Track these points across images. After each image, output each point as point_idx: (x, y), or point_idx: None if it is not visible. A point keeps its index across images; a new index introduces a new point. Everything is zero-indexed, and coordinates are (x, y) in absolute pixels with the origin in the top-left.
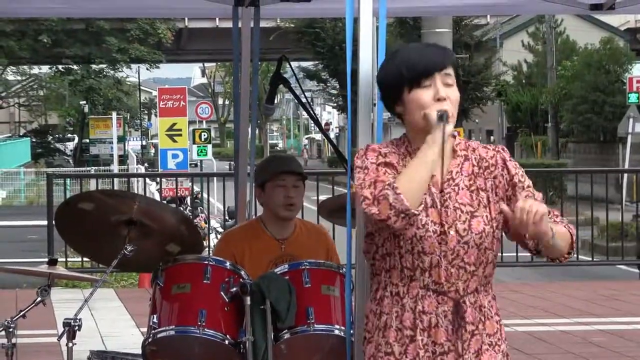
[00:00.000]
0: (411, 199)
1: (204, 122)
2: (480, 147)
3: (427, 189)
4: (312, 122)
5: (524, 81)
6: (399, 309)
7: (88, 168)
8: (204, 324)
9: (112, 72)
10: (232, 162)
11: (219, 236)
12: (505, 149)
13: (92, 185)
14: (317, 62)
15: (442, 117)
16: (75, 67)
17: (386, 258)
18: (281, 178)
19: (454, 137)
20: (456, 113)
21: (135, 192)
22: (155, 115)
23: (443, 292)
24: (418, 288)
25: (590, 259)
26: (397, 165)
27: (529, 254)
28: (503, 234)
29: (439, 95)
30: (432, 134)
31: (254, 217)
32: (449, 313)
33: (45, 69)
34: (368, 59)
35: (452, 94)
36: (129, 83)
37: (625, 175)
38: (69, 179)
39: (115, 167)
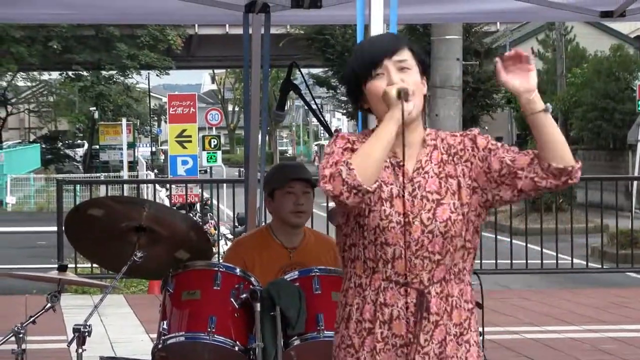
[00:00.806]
0: (364, 175)
1: (214, 128)
2: (448, 136)
3: (383, 184)
4: (321, 128)
5: None
6: (360, 300)
7: (98, 174)
8: (213, 330)
9: (122, 78)
10: (242, 169)
11: (228, 243)
12: (476, 130)
13: (101, 191)
14: (326, 68)
15: (400, 93)
16: (85, 73)
17: (352, 249)
18: (290, 185)
19: (425, 127)
20: (419, 99)
21: (145, 198)
22: (165, 122)
23: (406, 284)
24: (380, 280)
25: (600, 266)
26: None
27: (538, 261)
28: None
29: (391, 80)
30: (389, 112)
31: (263, 223)
32: (412, 305)
33: (55, 75)
34: None
35: (409, 77)
36: (138, 89)
37: (635, 182)
38: (78, 185)
39: (125, 174)
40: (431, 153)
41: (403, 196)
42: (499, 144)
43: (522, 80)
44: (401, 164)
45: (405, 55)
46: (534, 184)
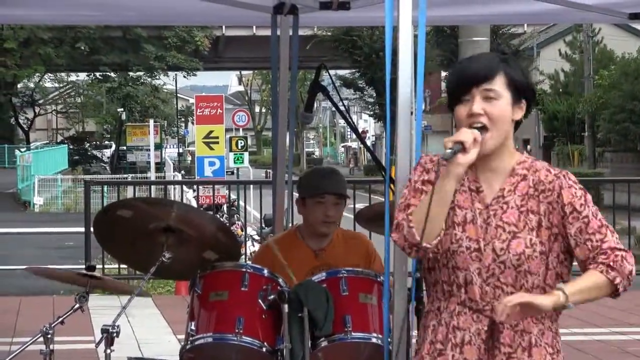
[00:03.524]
0: (424, 233)
1: (241, 129)
2: (543, 170)
3: (458, 208)
4: (348, 130)
5: (560, 90)
6: (436, 322)
7: (125, 175)
8: (241, 331)
9: (149, 79)
10: (269, 170)
11: (255, 244)
12: (569, 174)
13: (129, 192)
14: (354, 70)
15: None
16: (112, 74)
17: (431, 272)
18: (322, 196)
19: (522, 153)
20: (501, 128)
21: (173, 199)
22: (192, 123)
23: (479, 310)
24: (455, 304)
25: None
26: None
27: None
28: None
29: (472, 110)
30: (447, 167)
31: (290, 224)
32: (483, 332)
33: (82, 76)
34: (407, 68)
35: (492, 108)
36: (166, 90)
37: None
38: (106, 186)
39: (152, 175)
40: (518, 184)
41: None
42: (582, 212)
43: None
44: (480, 189)
45: (497, 83)
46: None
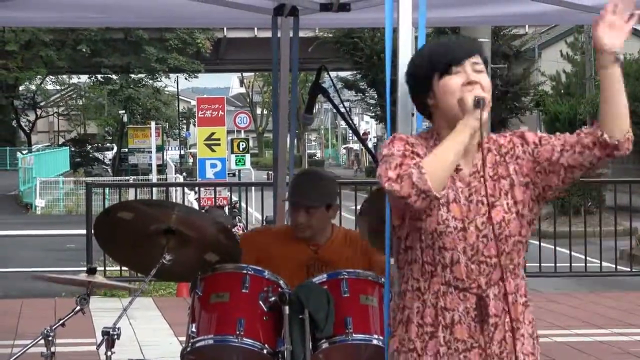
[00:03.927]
0: (435, 180)
1: (242, 131)
2: (500, 137)
3: (450, 181)
4: (350, 131)
5: (562, 91)
6: (420, 304)
7: (127, 177)
8: (242, 333)
9: (150, 81)
10: (270, 172)
11: None
12: (524, 129)
13: (130, 194)
14: (355, 72)
15: (479, 102)
16: (114, 76)
17: (408, 251)
18: (293, 207)
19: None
20: (490, 101)
21: (174, 201)
22: (194, 125)
23: (465, 289)
24: (439, 284)
25: (629, 269)
26: (424, 157)
27: (567, 264)
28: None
29: (470, 78)
30: (464, 119)
31: None
32: (472, 310)
33: (84, 78)
34: None
35: (484, 80)
36: (167, 92)
37: None
38: (107, 188)
39: (153, 177)
40: (486, 157)
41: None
42: (552, 136)
43: (612, 38)
44: (459, 168)
45: (480, 59)
46: (579, 158)
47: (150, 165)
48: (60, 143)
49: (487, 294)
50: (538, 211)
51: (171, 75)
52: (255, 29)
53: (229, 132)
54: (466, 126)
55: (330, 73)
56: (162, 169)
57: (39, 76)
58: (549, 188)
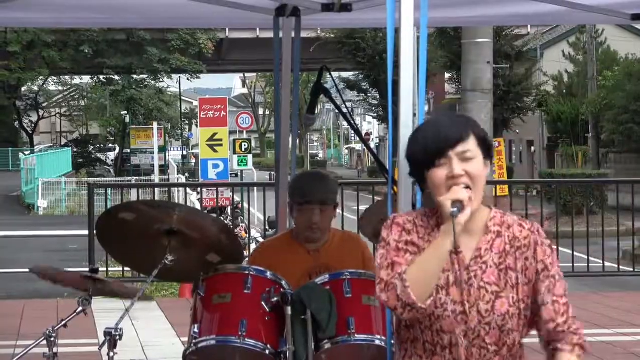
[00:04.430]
0: (418, 292)
1: (245, 132)
2: (515, 225)
3: (449, 265)
4: (352, 132)
5: (564, 91)
6: None
7: (129, 178)
8: (244, 333)
9: (153, 82)
10: (273, 172)
11: None
12: (541, 230)
13: (133, 195)
14: (357, 72)
15: (453, 213)
16: (116, 77)
17: (410, 330)
18: (306, 204)
19: (490, 208)
20: (480, 186)
21: (176, 202)
22: (196, 126)
23: None
24: None
25: (631, 269)
26: (420, 243)
27: (569, 264)
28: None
29: (453, 172)
30: (444, 226)
31: (293, 226)
32: None
33: (86, 79)
34: (409, 70)
35: (472, 168)
36: (169, 93)
37: None
38: (110, 189)
39: (156, 177)
40: (493, 241)
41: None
42: (550, 272)
43: None
44: (458, 251)
45: (470, 144)
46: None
47: (153, 165)
48: (62, 144)
49: None
50: (527, 333)
51: (173, 75)
52: (257, 29)
53: (231, 132)
54: (447, 233)
55: (333, 73)
56: (164, 169)
57: (41, 77)
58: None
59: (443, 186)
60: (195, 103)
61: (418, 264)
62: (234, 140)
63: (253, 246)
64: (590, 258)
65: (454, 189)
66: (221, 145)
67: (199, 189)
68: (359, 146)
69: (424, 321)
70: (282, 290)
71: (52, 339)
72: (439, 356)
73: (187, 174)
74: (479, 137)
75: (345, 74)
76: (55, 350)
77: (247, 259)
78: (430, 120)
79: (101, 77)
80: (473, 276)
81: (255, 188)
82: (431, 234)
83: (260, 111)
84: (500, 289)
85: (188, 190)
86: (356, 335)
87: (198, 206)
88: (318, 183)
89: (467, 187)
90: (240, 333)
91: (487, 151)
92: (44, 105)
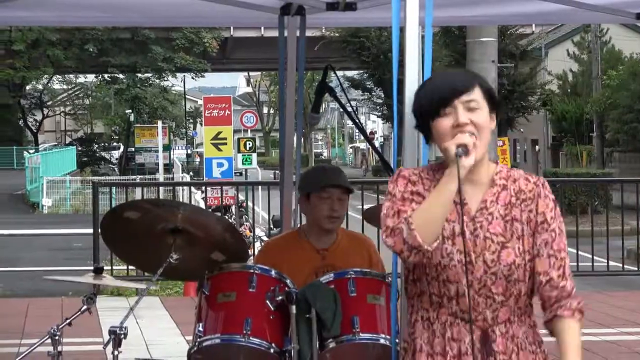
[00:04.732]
0: (425, 234)
1: (249, 131)
2: (521, 179)
3: (445, 222)
4: (356, 131)
5: (569, 90)
6: (430, 334)
7: (133, 177)
8: (249, 332)
9: (157, 81)
10: (277, 171)
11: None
12: (545, 183)
13: (137, 193)
14: (362, 71)
15: (458, 153)
16: (121, 76)
17: (416, 283)
18: (327, 191)
19: (496, 163)
20: (485, 137)
21: (181, 200)
22: (201, 124)
23: (470, 322)
24: (447, 315)
25: (636, 268)
26: (426, 194)
27: (574, 263)
28: None
29: (459, 120)
30: (449, 169)
31: (299, 225)
32: (477, 342)
33: (91, 77)
34: (414, 69)
35: (477, 118)
36: (174, 92)
37: None
38: (114, 188)
39: (160, 176)
40: (499, 194)
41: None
42: (551, 225)
43: None
44: (464, 202)
45: (475, 94)
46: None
47: (157, 164)
48: (67, 142)
49: (493, 329)
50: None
51: (178, 74)
52: (262, 28)
53: (235, 131)
54: (452, 176)
55: (337, 72)
56: (168, 168)
57: (45, 75)
58: None
59: (448, 135)
60: (200, 102)
61: (423, 207)
62: (239, 139)
63: (257, 245)
64: (595, 257)
65: (459, 135)
66: (225, 144)
67: (203, 188)
68: (363, 145)
69: (431, 272)
70: (286, 289)
71: (57, 337)
72: (445, 308)
73: (191, 173)
74: (485, 89)
75: (349, 73)
76: (59, 348)
77: (251, 258)
78: (437, 73)
79: (106, 75)
80: (479, 227)
81: (260, 187)
82: (436, 185)
83: (265, 110)
84: (507, 240)
85: (192, 188)
86: (361, 334)
87: (202, 205)
88: (336, 171)
89: (473, 135)
90: (244, 332)
91: (493, 105)
92: (49, 103)
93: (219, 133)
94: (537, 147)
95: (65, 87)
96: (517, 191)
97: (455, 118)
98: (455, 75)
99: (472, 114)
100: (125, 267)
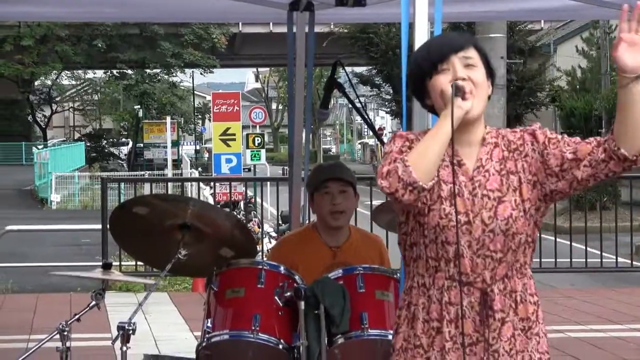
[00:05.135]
0: (421, 171)
1: (258, 126)
2: (509, 133)
3: (442, 182)
4: (365, 127)
5: (578, 87)
6: (426, 300)
7: (142, 172)
8: (258, 328)
9: (166, 76)
10: (286, 167)
11: (272, 241)
12: (536, 125)
13: (146, 189)
14: (370, 67)
15: (457, 89)
16: (129, 71)
17: (413, 247)
18: (326, 186)
19: (485, 126)
20: (483, 96)
21: (189, 196)
22: (209, 120)
23: (469, 283)
24: (443, 279)
25: None
26: None
27: (582, 260)
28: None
29: (457, 75)
30: (445, 110)
31: (307, 221)
32: (476, 304)
33: (99, 73)
34: None
35: (474, 74)
36: (183, 88)
37: None
38: (123, 183)
39: (169, 172)
40: (492, 151)
41: (455, 195)
42: (560, 137)
43: (635, 58)
44: (462, 162)
45: (472, 53)
46: (594, 170)
47: (166, 160)
48: (75, 138)
49: (492, 289)
50: (545, 212)
51: (186, 70)
52: (271, 24)
53: (244, 127)
54: (447, 116)
55: (346, 68)
56: (177, 164)
57: (54, 71)
58: (557, 192)
59: (446, 91)
60: (209, 97)
61: (418, 147)
62: (247, 135)
63: (266, 241)
64: (603, 253)
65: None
66: (234, 139)
67: (212, 184)
68: (372, 141)
69: (429, 234)
70: (295, 284)
71: (65, 333)
72: (442, 272)
73: (200, 169)
74: (482, 53)
75: (358, 69)
76: (68, 344)
77: (262, 254)
78: (430, 38)
79: (114, 71)
80: (477, 185)
81: (269, 183)
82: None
83: (274, 106)
84: (503, 194)
85: (201, 184)
86: (369, 330)
87: (211, 200)
88: (335, 166)
89: (471, 91)
90: (253, 328)
91: (489, 71)
92: (57, 99)
93: (228, 129)
94: None
95: (74, 82)
96: (507, 145)
97: (452, 74)
98: (451, 34)
99: (470, 70)
100: (133, 263)
